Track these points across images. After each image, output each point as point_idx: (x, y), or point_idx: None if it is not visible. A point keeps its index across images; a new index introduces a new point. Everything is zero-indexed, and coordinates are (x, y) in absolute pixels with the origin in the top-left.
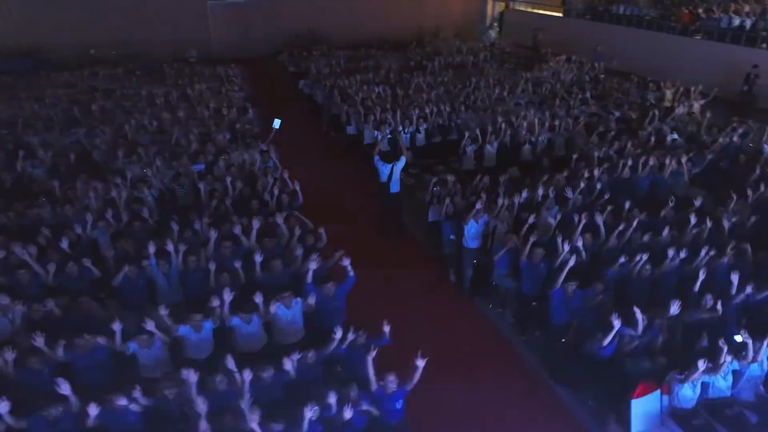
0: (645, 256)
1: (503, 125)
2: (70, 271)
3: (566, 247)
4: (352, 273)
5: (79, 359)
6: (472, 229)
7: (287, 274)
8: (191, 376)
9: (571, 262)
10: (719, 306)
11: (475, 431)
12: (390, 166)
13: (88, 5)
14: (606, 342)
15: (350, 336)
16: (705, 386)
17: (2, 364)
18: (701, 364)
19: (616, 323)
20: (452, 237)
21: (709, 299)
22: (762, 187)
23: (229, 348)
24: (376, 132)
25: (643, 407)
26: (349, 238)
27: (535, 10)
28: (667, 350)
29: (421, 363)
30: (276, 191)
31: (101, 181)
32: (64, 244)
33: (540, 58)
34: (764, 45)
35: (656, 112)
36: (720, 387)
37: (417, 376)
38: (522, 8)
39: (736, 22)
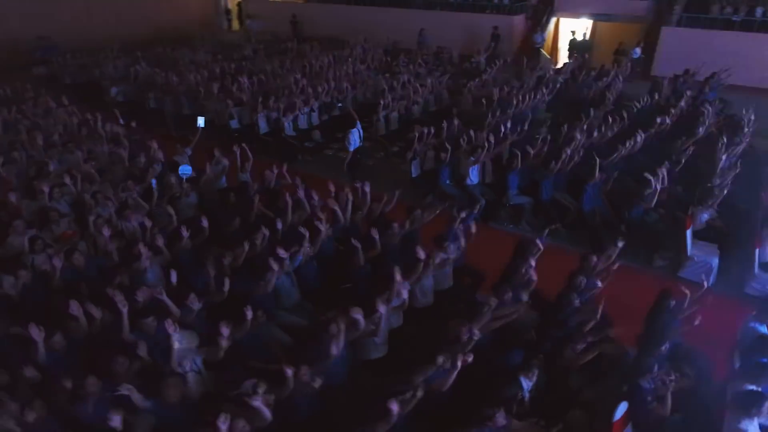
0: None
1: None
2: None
3: (568, 152)
4: None
5: None
6: (474, 169)
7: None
8: None
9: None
10: None
11: None
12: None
13: None
14: (648, 194)
15: None
16: None
17: None
18: None
19: (652, 179)
20: (448, 182)
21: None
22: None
23: None
24: (284, 118)
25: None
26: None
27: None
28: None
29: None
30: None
31: None
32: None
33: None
34: None
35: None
36: None
37: None
38: None
39: None
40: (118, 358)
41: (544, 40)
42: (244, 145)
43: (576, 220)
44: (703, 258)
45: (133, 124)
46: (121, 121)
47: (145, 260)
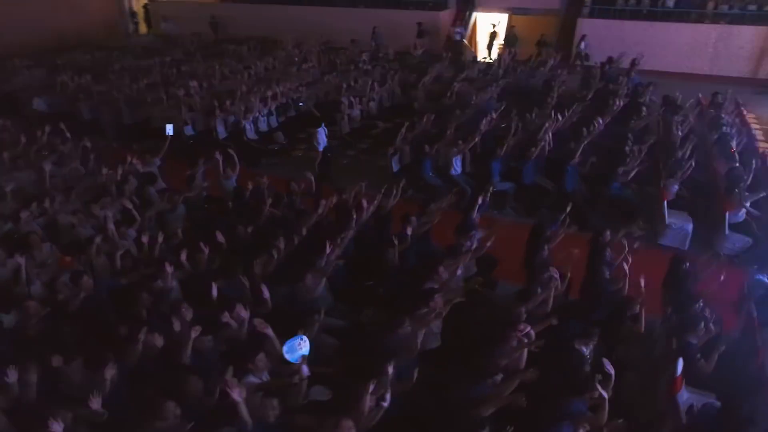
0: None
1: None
2: None
3: (550, 135)
4: None
5: None
6: (458, 159)
7: None
8: None
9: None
10: None
11: None
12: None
13: None
14: (625, 171)
15: None
16: None
17: None
18: None
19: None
20: (431, 174)
21: None
22: None
23: None
24: (244, 121)
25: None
26: None
27: None
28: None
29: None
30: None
31: None
32: None
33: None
34: None
35: None
36: None
37: None
38: None
39: None
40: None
41: (465, 34)
42: (230, 150)
43: (557, 201)
44: (679, 225)
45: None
46: (68, 135)
47: (171, 280)
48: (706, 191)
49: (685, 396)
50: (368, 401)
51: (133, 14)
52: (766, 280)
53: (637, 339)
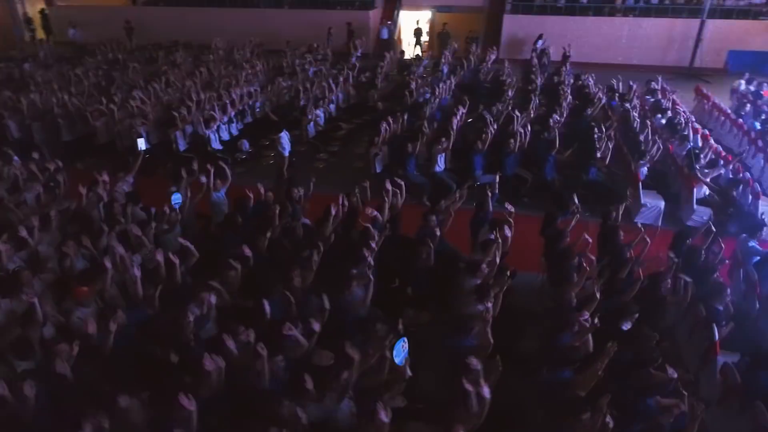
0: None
1: (316, 92)
2: None
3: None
4: None
5: None
6: (441, 156)
7: None
8: None
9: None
10: None
11: None
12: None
13: None
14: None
15: None
16: None
17: None
18: None
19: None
20: (414, 171)
21: None
22: None
23: None
24: (206, 130)
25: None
26: None
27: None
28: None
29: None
30: None
31: None
32: None
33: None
34: None
35: None
36: None
37: None
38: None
39: None
40: None
41: (394, 32)
42: (221, 163)
43: (537, 189)
44: (653, 203)
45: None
46: (16, 159)
47: (209, 304)
48: (663, 171)
49: (720, 359)
50: (474, 400)
51: (29, 21)
52: (758, 247)
53: (670, 310)
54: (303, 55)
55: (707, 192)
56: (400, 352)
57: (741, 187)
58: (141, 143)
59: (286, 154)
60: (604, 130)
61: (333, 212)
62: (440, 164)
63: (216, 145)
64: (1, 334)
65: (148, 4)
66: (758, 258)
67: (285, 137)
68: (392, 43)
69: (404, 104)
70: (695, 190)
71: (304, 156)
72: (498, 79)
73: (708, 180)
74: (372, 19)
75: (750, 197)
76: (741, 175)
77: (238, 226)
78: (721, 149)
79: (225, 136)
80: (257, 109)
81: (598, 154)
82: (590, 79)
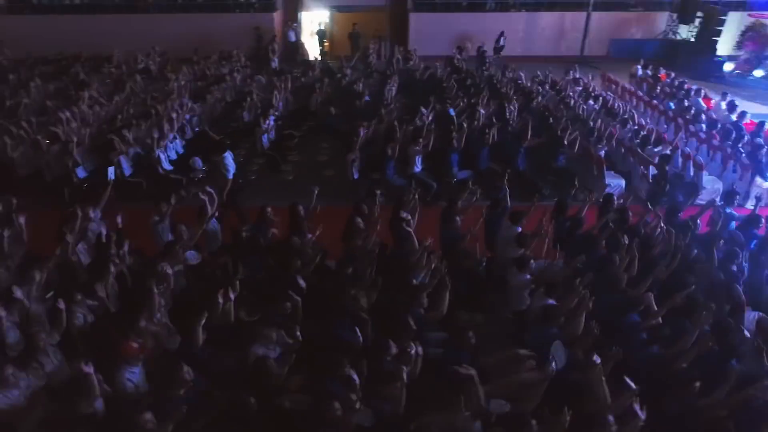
0: None
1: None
2: None
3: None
4: None
5: None
6: (419, 157)
7: None
8: None
9: None
10: None
11: None
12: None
13: None
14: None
15: None
16: None
17: None
18: None
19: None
20: (393, 175)
21: None
22: None
23: None
24: (158, 150)
25: None
26: None
27: None
28: None
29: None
30: None
31: None
32: None
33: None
34: None
35: None
36: None
37: None
38: None
39: None
40: None
41: (299, 35)
42: (208, 188)
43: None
44: (616, 183)
45: None
46: None
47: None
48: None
49: (750, 315)
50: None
51: None
52: (734, 212)
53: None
54: (218, 62)
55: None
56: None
57: (682, 160)
58: (110, 172)
59: (230, 176)
60: (560, 119)
61: (361, 226)
62: (417, 165)
63: (167, 165)
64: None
65: (12, 13)
66: (735, 223)
67: (229, 158)
68: (300, 46)
69: (357, 107)
70: (644, 167)
71: (265, 172)
72: (434, 77)
73: (656, 159)
74: (276, 21)
75: (692, 169)
76: (679, 150)
77: (261, 251)
78: (656, 129)
79: (173, 155)
80: (195, 125)
81: (566, 142)
82: (521, 73)
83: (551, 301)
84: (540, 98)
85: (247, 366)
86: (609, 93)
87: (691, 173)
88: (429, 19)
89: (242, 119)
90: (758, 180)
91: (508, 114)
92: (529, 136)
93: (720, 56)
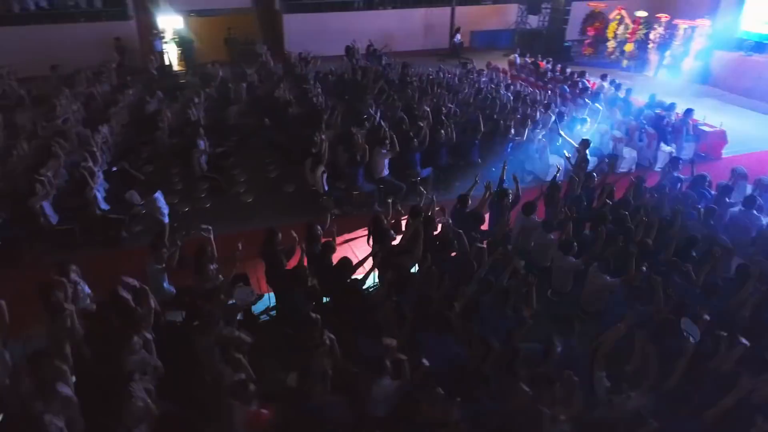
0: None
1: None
2: None
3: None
4: None
5: None
6: (386, 160)
7: None
8: None
9: None
10: None
11: None
12: None
13: None
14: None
15: None
16: None
17: None
18: None
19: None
20: (363, 181)
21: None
22: None
23: None
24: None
25: None
26: None
27: None
28: None
29: None
30: None
31: None
32: None
33: None
34: None
35: None
36: None
37: None
38: None
39: None
40: None
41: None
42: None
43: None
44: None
45: None
46: None
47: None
48: None
49: None
50: None
51: None
52: (681, 175)
53: None
54: (95, 78)
55: None
56: None
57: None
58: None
59: (167, 220)
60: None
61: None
62: (385, 169)
63: (104, 205)
64: None
65: None
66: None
67: (161, 198)
68: (168, 55)
69: (290, 115)
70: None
71: (210, 194)
72: (343, 78)
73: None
74: (135, 30)
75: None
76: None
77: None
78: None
79: (102, 193)
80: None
81: (512, 131)
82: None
83: None
84: (467, 90)
85: None
86: (510, 81)
87: (610, 147)
88: (303, 19)
89: (160, 141)
90: (663, 146)
91: (446, 110)
92: (482, 129)
93: (568, 41)
